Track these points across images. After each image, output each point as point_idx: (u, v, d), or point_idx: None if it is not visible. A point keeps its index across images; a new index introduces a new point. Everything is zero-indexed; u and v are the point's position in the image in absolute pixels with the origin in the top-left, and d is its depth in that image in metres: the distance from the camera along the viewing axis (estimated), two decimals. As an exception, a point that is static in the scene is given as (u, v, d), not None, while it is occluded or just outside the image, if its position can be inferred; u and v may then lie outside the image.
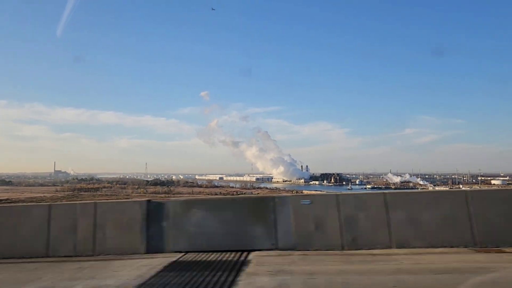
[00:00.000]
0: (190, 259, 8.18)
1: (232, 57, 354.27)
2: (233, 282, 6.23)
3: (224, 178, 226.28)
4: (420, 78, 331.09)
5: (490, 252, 7.75)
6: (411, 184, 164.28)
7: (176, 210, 9.14)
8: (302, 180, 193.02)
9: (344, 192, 9.76)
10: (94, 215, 9.27)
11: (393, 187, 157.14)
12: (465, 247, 8.05)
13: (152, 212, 9.20)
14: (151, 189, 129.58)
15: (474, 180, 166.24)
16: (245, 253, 8.46)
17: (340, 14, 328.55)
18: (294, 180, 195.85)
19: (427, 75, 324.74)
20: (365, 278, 6.06)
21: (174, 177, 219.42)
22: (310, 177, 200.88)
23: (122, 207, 9.54)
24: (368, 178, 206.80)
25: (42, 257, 9.13)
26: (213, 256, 8.31)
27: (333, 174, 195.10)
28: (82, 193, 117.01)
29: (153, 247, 8.97)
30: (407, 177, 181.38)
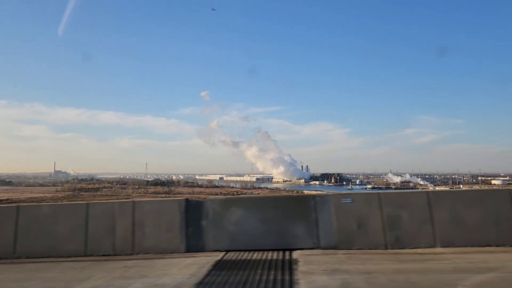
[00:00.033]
0: (234, 258, 8.15)
1: (233, 57, 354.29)
2: (291, 281, 6.20)
3: (224, 178, 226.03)
4: (420, 78, 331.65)
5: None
6: (411, 184, 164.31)
7: (216, 209, 9.11)
8: (303, 180, 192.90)
9: (386, 191, 9.78)
10: (132, 214, 9.24)
11: (393, 187, 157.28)
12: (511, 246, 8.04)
13: (191, 211, 9.16)
14: (152, 189, 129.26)
15: (474, 180, 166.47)
16: (287, 252, 8.44)
17: (341, 15, 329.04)
18: (294, 180, 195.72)
19: (427, 75, 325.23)
20: (428, 277, 6.03)
21: (174, 177, 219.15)
22: (311, 177, 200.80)
23: (160, 206, 9.51)
24: (368, 178, 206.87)
25: (81, 256, 9.09)
26: (256, 255, 8.28)
27: (334, 174, 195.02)
28: (82, 193, 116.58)
29: (192, 246, 8.94)
30: (407, 177, 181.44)
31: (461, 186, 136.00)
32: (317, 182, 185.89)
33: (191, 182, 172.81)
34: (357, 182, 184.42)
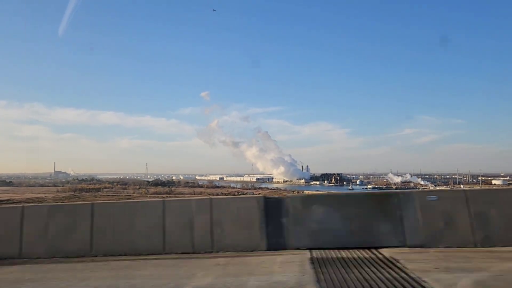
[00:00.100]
0: (325, 256, 8.04)
1: (233, 57, 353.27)
2: (413, 278, 6.10)
3: (225, 179, 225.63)
4: (420, 78, 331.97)
5: None
6: (412, 184, 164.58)
7: (296, 206, 9.02)
8: (303, 181, 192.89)
9: (473, 188, 9.70)
10: (210, 211, 9.14)
11: (394, 187, 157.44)
12: None
13: (271, 208, 9.07)
14: (152, 189, 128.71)
15: (474, 180, 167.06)
16: (373, 250, 8.36)
17: (341, 14, 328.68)
18: (294, 180, 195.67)
19: (427, 75, 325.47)
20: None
21: (174, 178, 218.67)
22: (311, 177, 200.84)
23: (239, 204, 9.41)
24: (369, 178, 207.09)
25: (159, 253, 8.97)
26: (344, 253, 8.19)
27: (334, 174, 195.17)
28: (83, 193, 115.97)
29: (273, 244, 8.84)
30: (408, 177, 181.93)
31: (462, 186, 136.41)
32: (317, 182, 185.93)
33: (191, 183, 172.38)
34: (358, 182, 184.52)
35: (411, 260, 7.29)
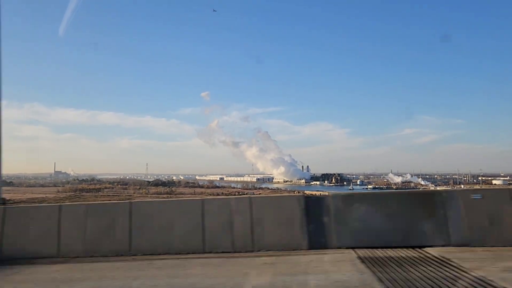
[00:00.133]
0: (371, 255, 7.95)
1: (233, 57, 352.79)
2: (476, 278, 6.02)
3: (225, 179, 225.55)
4: (420, 78, 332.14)
5: None
6: (412, 184, 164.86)
7: (338, 205, 8.93)
8: (303, 181, 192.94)
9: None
10: (250, 210, 9.05)
11: (394, 187, 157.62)
12: None
13: (311, 207, 8.99)
14: (153, 189, 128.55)
15: (475, 180, 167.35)
16: (417, 249, 8.28)
17: (341, 14, 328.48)
18: (295, 180, 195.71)
19: (427, 75, 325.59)
20: None
21: (174, 178, 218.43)
22: (311, 177, 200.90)
23: (278, 202, 9.34)
24: (369, 179, 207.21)
25: (199, 253, 8.88)
26: (391, 252, 8.11)
27: (334, 174, 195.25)
28: (83, 193, 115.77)
29: (315, 243, 8.76)
30: (408, 177, 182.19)
31: (462, 186, 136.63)
32: (317, 182, 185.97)
33: (192, 183, 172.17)
34: (358, 182, 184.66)
35: (464, 259, 7.21)
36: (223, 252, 8.82)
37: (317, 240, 8.78)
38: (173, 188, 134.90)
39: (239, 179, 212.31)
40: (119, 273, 7.36)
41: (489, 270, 6.32)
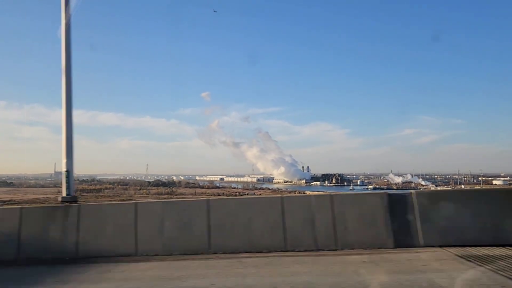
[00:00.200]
0: (467, 253, 7.79)
1: (233, 58, 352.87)
2: None
3: (225, 179, 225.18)
4: (420, 78, 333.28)
5: None
6: (412, 185, 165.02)
7: (422, 202, 8.79)
8: (304, 181, 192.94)
9: None
10: (331, 207, 8.90)
11: (395, 187, 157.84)
12: None
13: (394, 204, 8.84)
14: (154, 190, 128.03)
15: (475, 181, 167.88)
16: (509, 248, 8.13)
17: (341, 14, 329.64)
18: (295, 180, 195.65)
19: (427, 75, 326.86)
20: None
21: (174, 178, 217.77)
22: (312, 177, 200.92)
23: (360, 200, 9.19)
24: (369, 179, 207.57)
25: (281, 251, 8.72)
26: (487, 251, 7.91)
27: (334, 174, 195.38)
28: (84, 194, 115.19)
29: (400, 242, 8.61)
30: (408, 177, 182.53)
31: (463, 186, 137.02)
32: (318, 183, 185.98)
33: (192, 183, 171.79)
34: (358, 183, 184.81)
35: None
36: (305, 251, 8.67)
37: (402, 239, 8.63)
38: (173, 189, 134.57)
39: (239, 179, 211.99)
40: (218, 271, 7.19)
41: None
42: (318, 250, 8.69)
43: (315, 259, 7.95)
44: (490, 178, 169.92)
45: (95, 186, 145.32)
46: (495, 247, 8.15)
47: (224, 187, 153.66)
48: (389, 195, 8.97)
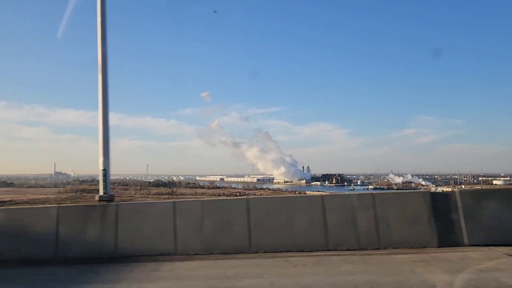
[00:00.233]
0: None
1: (233, 58, 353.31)
2: None
3: (225, 179, 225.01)
4: (421, 78, 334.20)
5: None
6: (413, 185, 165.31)
7: (466, 201, 8.70)
8: (304, 181, 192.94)
9: None
10: (373, 207, 8.82)
11: (395, 187, 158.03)
12: None
13: (438, 203, 8.77)
14: (154, 190, 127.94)
15: (475, 181, 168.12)
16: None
17: (341, 14, 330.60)
18: (295, 181, 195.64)
19: (428, 75, 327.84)
20: None
21: (175, 178, 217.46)
22: (312, 177, 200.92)
23: (403, 199, 9.10)
24: (369, 179, 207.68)
25: (322, 250, 8.63)
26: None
27: (335, 174, 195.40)
28: (85, 194, 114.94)
29: (444, 241, 8.53)
30: (409, 177, 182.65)
31: (463, 186, 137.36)
32: (318, 183, 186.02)
33: (192, 183, 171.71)
34: (359, 183, 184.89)
35: None
36: (348, 250, 8.58)
37: (447, 238, 8.55)
38: (174, 189, 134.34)
39: (239, 179, 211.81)
40: (269, 270, 7.09)
41: None
42: (361, 249, 8.60)
43: (362, 258, 7.85)
44: (490, 178, 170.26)
45: (95, 186, 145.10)
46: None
47: (225, 187, 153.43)
48: (432, 193, 8.92)
